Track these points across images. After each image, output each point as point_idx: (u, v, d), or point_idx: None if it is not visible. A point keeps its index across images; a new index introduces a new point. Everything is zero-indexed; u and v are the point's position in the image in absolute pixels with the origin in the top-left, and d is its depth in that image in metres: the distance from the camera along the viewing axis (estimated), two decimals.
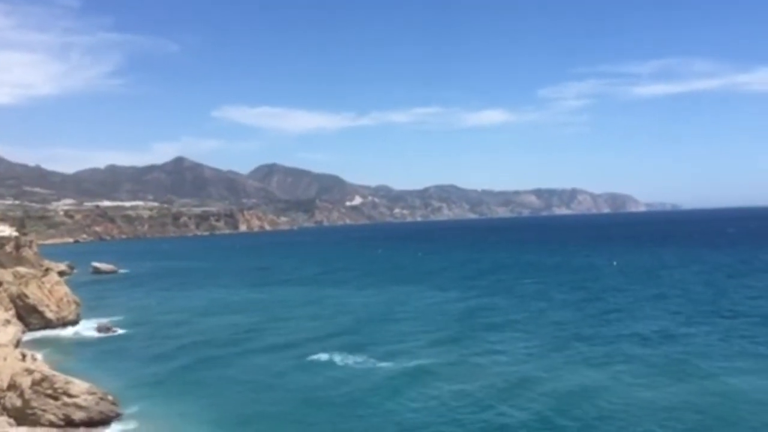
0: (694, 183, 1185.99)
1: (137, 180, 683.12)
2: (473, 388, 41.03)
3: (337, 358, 50.33)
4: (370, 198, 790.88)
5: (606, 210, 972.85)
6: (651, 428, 33.39)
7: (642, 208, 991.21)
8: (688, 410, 35.55)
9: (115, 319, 73.18)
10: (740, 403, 36.37)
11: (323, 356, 51.23)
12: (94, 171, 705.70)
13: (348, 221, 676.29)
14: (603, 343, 52.47)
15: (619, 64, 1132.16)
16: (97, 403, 37.97)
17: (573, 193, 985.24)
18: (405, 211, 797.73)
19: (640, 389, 39.50)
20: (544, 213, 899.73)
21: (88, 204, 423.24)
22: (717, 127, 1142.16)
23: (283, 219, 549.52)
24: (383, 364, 48.15)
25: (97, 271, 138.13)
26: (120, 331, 66.72)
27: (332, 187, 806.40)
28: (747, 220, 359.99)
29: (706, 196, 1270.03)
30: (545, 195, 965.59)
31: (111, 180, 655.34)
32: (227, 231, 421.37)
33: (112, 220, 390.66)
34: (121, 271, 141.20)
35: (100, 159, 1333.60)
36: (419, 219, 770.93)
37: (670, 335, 54.26)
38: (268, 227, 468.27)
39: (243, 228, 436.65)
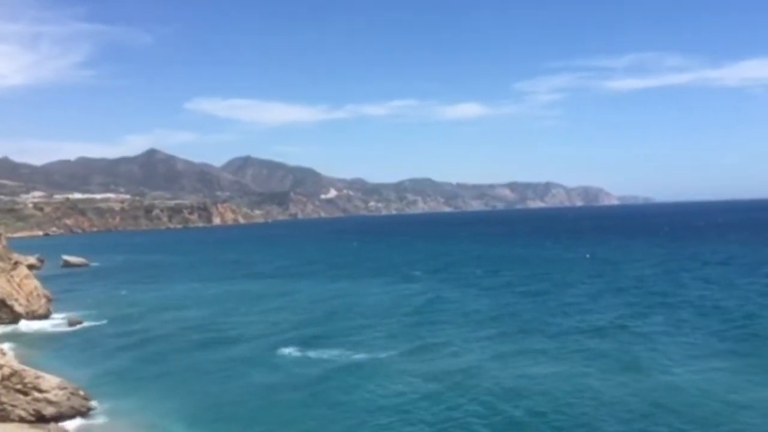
0: (666, 177, 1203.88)
1: (109, 172, 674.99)
2: (428, 380, 41.54)
3: (307, 352, 50.38)
4: (345, 191, 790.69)
5: (579, 203, 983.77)
6: (599, 417, 34.16)
7: (615, 202, 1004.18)
8: (635, 400, 36.32)
9: (86, 312, 72.25)
10: (684, 394, 37.19)
11: (294, 348, 51.27)
12: (65, 163, 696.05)
13: (323, 214, 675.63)
14: (562, 334, 53.05)
15: (593, 58, 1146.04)
16: (68, 398, 37.43)
17: (547, 187, 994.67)
18: (380, 205, 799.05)
19: (592, 380, 40.21)
20: (519, 206, 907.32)
21: (58, 196, 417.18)
22: (688, 122, 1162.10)
23: (257, 212, 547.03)
24: (351, 356, 48.43)
25: (67, 264, 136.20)
26: (91, 325, 65.90)
27: (307, 180, 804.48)
28: (717, 213, 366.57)
29: (678, 189, 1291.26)
30: (520, 188, 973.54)
31: (82, 172, 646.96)
32: (201, 224, 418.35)
33: (82, 213, 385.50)
34: (92, 264, 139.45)
35: (70, 151, 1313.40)
36: (394, 212, 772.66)
37: (626, 326, 55.07)
38: (242, 220, 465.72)
39: (217, 221, 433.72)
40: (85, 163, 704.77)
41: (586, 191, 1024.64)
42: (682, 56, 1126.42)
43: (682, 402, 35.67)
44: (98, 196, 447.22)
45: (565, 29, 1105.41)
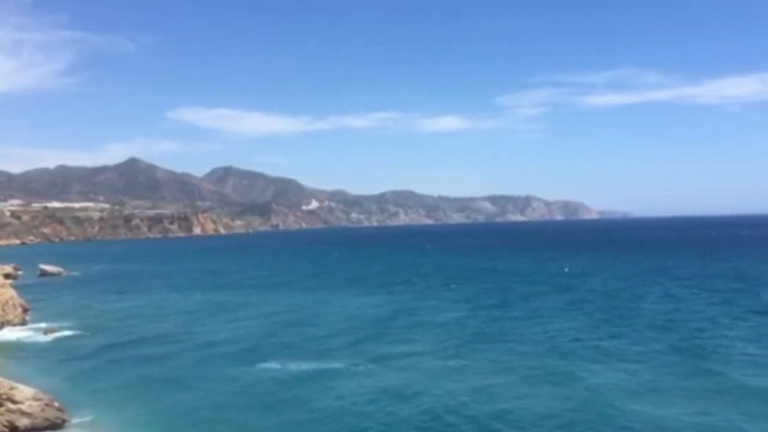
0: (645, 192, 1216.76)
1: (88, 181, 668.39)
2: (385, 389, 42.35)
3: (283, 362, 50.53)
4: (326, 202, 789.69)
5: (559, 217, 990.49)
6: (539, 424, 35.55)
7: (594, 216, 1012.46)
8: (565, 410, 37.49)
9: (62, 322, 71.52)
10: (610, 400, 38.65)
11: (273, 361, 51.23)
12: (43, 171, 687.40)
13: (304, 225, 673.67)
14: (517, 346, 54.46)
15: (574, 73, 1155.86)
16: (43, 410, 37.04)
17: (527, 200, 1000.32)
18: (361, 216, 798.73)
19: (535, 389, 41.67)
20: (499, 219, 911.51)
21: (36, 205, 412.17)
22: (667, 138, 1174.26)
23: (238, 222, 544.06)
24: (321, 366, 48.92)
25: (44, 273, 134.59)
26: (68, 335, 65.26)
27: (289, 191, 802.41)
28: (694, 228, 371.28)
29: (656, 204, 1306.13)
30: (500, 201, 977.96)
31: (60, 180, 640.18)
32: (181, 234, 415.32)
33: (60, 222, 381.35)
34: (70, 273, 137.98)
35: (49, 159, 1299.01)
36: (375, 224, 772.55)
37: (580, 339, 56.53)
38: (222, 231, 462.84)
39: (197, 231, 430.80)
40: (64, 171, 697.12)
41: (566, 205, 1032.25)
42: (662, 73, 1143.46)
43: (599, 410, 37.05)
44: (77, 205, 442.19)
45: (547, 45, 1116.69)
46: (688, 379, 42.98)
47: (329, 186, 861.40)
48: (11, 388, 37.43)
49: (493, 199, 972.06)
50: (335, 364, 49.36)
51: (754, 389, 40.34)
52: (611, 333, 58.54)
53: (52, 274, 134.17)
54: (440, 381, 44.07)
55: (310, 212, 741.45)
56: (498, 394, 40.78)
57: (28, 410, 36.61)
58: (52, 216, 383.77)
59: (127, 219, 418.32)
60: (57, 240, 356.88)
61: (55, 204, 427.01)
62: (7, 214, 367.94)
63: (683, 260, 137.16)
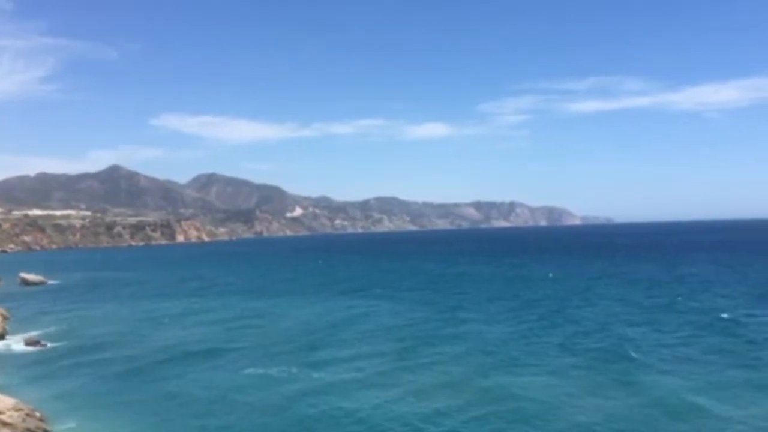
0: (626, 197, 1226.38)
1: (69, 188, 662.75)
2: (391, 399, 42.38)
3: (271, 370, 50.08)
4: (311, 209, 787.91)
5: (543, 223, 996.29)
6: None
7: (577, 222, 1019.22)
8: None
9: (44, 332, 70.47)
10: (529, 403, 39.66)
11: (257, 368, 50.87)
12: (24, 178, 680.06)
13: (288, 232, 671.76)
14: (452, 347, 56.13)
15: (556, 81, 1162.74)
16: (24, 420, 36.24)
17: (511, 206, 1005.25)
18: (346, 223, 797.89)
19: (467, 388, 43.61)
20: (483, 225, 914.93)
21: (17, 212, 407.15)
22: (647, 144, 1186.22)
23: (221, 230, 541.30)
24: (314, 375, 48.50)
25: (25, 282, 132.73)
26: (49, 345, 64.20)
27: (273, 197, 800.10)
28: (676, 234, 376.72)
29: (638, 210, 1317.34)
30: (484, 207, 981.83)
31: (41, 188, 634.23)
32: (164, 241, 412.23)
33: (42, 230, 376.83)
34: (51, 282, 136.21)
35: (30, 166, 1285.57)
36: (360, 230, 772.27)
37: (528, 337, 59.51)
38: (206, 238, 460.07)
39: (180, 238, 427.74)
40: (45, 178, 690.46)
41: (549, 211, 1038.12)
42: (641, 80, 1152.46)
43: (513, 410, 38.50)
44: (58, 213, 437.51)
45: (529, 52, 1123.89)
46: (602, 381, 44.28)
47: (314, 193, 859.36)
48: None
49: (477, 205, 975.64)
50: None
51: (668, 393, 41.01)
52: (539, 338, 59.86)
53: (33, 283, 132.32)
54: (373, 382, 45.40)
55: (295, 219, 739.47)
56: (424, 396, 41.83)
57: (9, 420, 35.82)
58: (33, 224, 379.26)
59: (109, 227, 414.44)
60: (38, 248, 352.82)
61: (36, 212, 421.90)
62: None
63: (643, 265, 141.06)
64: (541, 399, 40.26)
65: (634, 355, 51.28)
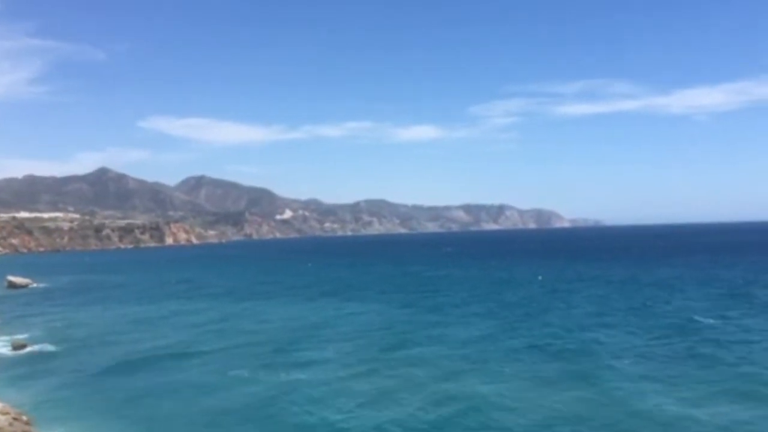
0: (615, 200, 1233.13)
1: (57, 191, 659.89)
2: (358, 402, 43.24)
3: (258, 373, 50.94)
4: (300, 212, 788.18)
5: (532, 225, 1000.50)
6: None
7: (566, 224, 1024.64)
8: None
9: (30, 335, 70.99)
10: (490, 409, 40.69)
11: (244, 371, 51.68)
12: (11, 181, 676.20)
13: (278, 235, 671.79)
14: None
15: (545, 84, 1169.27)
16: (11, 424, 37.08)
17: (501, 209, 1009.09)
18: (335, 225, 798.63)
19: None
20: (473, 228, 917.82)
21: (4, 215, 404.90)
22: (636, 147, 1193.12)
23: (211, 232, 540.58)
24: (298, 377, 49.44)
25: (11, 285, 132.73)
26: (36, 348, 64.78)
27: (262, 200, 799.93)
28: (662, 237, 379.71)
29: (626, 213, 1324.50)
30: (474, 210, 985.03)
31: (29, 190, 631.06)
32: (153, 244, 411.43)
33: (29, 232, 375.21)
34: (38, 285, 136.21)
35: (17, 168, 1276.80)
36: (349, 233, 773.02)
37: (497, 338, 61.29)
38: (195, 240, 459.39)
39: (169, 241, 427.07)
40: (32, 180, 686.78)
41: (539, 214, 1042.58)
42: (631, 83, 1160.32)
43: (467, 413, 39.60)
44: (46, 215, 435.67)
45: (518, 55, 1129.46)
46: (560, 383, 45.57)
47: (303, 195, 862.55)
48: None
49: (466, 208, 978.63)
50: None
51: (634, 394, 42.21)
52: (514, 340, 61.18)
53: (20, 286, 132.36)
54: (342, 385, 46.35)
55: (284, 221, 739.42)
56: (391, 399, 42.73)
57: None
58: (21, 227, 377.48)
59: (98, 229, 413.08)
60: (25, 251, 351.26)
61: (24, 214, 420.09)
62: None
63: (627, 267, 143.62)
64: (507, 400, 41.52)
65: (603, 356, 52.58)
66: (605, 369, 48.38)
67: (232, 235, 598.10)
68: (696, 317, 70.06)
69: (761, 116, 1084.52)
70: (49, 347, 65.23)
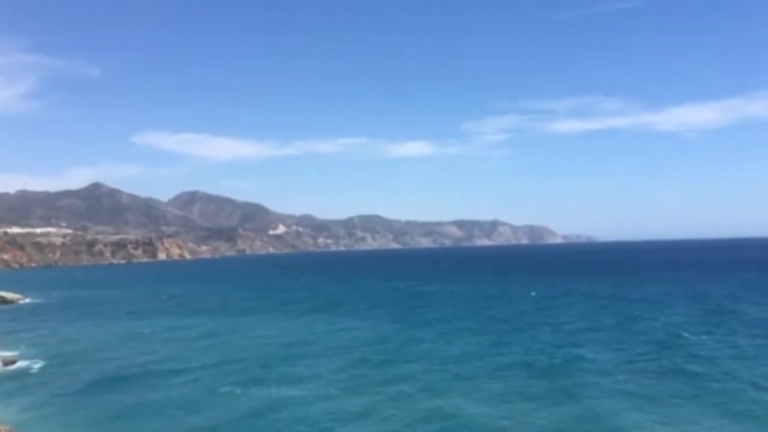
0: (608, 216, 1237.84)
1: (50, 206, 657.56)
2: (340, 418, 43.58)
3: (248, 390, 51.14)
4: (294, 227, 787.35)
5: (525, 241, 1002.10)
6: None
7: (559, 240, 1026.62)
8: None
9: (21, 351, 71.00)
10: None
11: (234, 387, 51.89)
12: (3, 196, 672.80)
13: (271, 250, 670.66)
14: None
15: (537, 100, 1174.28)
16: None
17: (494, 225, 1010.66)
18: (329, 241, 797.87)
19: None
20: (466, 244, 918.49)
21: None
22: (628, 164, 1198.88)
23: (204, 247, 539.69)
24: (289, 393, 49.62)
25: (2, 300, 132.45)
26: (26, 364, 64.81)
27: (256, 215, 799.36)
28: (653, 253, 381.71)
29: (619, 229, 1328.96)
30: (467, 226, 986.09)
31: (21, 205, 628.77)
32: (145, 259, 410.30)
33: (21, 248, 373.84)
34: (30, 300, 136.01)
35: (10, 183, 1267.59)
36: (343, 249, 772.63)
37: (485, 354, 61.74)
38: (188, 256, 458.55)
39: (162, 256, 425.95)
40: (24, 196, 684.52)
41: (531, 230, 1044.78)
42: (622, 101, 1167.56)
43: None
44: (38, 231, 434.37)
45: (510, 72, 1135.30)
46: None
47: (296, 211, 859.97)
48: None
49: (460, 224, 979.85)
50: (308, 392, 50.49)
51: (612, 411, 42.80)
52: (499, 356, 61.77)
53: (11, 301, 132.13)
54: (323, 402, 46.69)
55: (278, 237, 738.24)
56: (374, 416, 43.28)
57: None
58: (13, 242, 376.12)
59: (90, 244, 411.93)
60: (17, 266, 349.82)
61: (16, 229, 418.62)
62: None
63: (607, 284, 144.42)
64: (493, 417, 41.89)
65: (590, 373, 53.13)
66: (591, 386, 48.85)
67: (225, 250, 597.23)
68: (683, 333, 70.77)
69: (750, 133, 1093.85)
70: (39, 363, 65.24)
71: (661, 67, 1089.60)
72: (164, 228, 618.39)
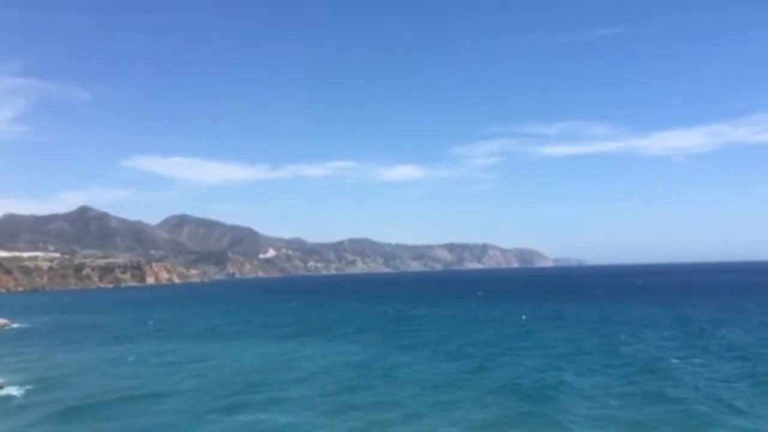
0: (597, 240, 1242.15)
1: (37, 230, 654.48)
2: None
3: (233, 414, 51.28)
4: (284, 251, 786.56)
5: (515, 264, 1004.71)
6: None
7: (549, 264, 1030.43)
8: None
9: (6, 377, 70.45)
10: None
11: (219, 413, 51.98)
12: None
13: (261, 274, 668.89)
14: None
15: (527, 125, 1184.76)
16: None
17: (484, 248, 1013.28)
18: (319, 264, 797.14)
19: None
20: (456, 267, 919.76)
21: None
22: (616, 188, 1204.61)
23: (193, 271, 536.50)
24: (276, 420, 49.67)
25: None
26: (11, 391, 64.46)
27: (245, 239, 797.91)
28: (641, 276, 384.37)
29: (608, 252, 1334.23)
30: (457, 249, 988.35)
31: (8, 229, 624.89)
32: (134, 284, 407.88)
33: (7, 272, 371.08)
34: (15, 325, 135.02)
35: None
36: (333, 272, 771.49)
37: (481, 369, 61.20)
38: (177, 280, 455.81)
39: (151, 280, 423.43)
40: (11, 219, 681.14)
41: (521, 253, 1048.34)
42: (610, 126, 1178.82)
43: None
44: (25, 255, 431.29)
45: (500, 96, 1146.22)
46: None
47: (286, 234, 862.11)
48: None
49: (450, 247, 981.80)
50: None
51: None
52: (477, 381, 62.40)
53: None
54: (309, 427, 47.36)
55: (267, 261, 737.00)
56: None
57: None
58: None
59: (78, 269, 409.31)
60: (3, 290, 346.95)
61: (2, 253, 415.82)
62: None
63: (594, 307, 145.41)
64: None
65: (571, 398, 53.60)
66: (574, 412, 49.20)
67: (215, 274, 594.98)
68: (666, 357, 71.45)
69: (736, 158, 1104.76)
70: (23, 388, 64.96)
71: (648, 93, 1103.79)
72: (153, 252, 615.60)
